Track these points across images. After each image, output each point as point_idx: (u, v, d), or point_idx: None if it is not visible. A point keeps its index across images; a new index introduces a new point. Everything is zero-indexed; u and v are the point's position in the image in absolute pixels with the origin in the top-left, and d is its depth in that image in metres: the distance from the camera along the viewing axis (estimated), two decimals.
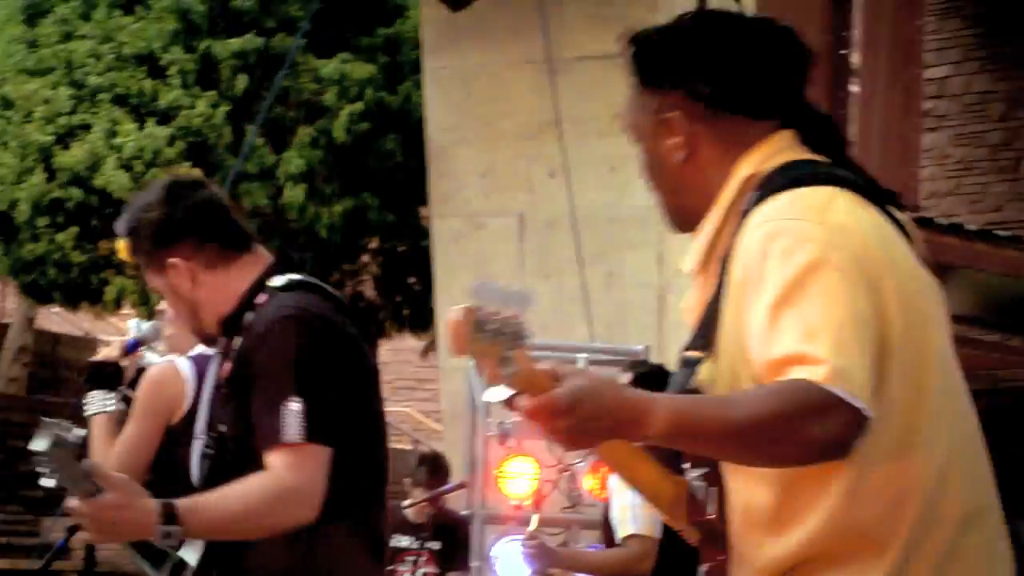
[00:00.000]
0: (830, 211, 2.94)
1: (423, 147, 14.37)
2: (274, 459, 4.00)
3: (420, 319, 20.40)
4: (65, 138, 19.04)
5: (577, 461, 9.57)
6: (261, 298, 4.29)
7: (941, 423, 2.96)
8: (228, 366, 4.27)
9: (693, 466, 3.15)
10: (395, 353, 25.81)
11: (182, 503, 3.95)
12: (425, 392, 26.28)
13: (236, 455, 4.16)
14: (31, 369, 24.19)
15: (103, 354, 5.94)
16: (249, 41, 19.14)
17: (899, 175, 13.06)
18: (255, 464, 4.05)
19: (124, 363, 5.89)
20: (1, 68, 19.82)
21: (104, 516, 3.88)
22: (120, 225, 4.46)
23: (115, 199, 18.46)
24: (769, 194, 3.01)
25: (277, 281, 4.33)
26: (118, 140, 18.83)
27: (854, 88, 12.13)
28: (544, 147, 12.26)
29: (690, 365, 3.06)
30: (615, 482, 7.47)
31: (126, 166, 18.72)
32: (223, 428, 4.27)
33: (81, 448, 4.27)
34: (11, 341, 24.01)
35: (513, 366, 2.73)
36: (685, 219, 3.23)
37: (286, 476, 4.00)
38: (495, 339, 2.72)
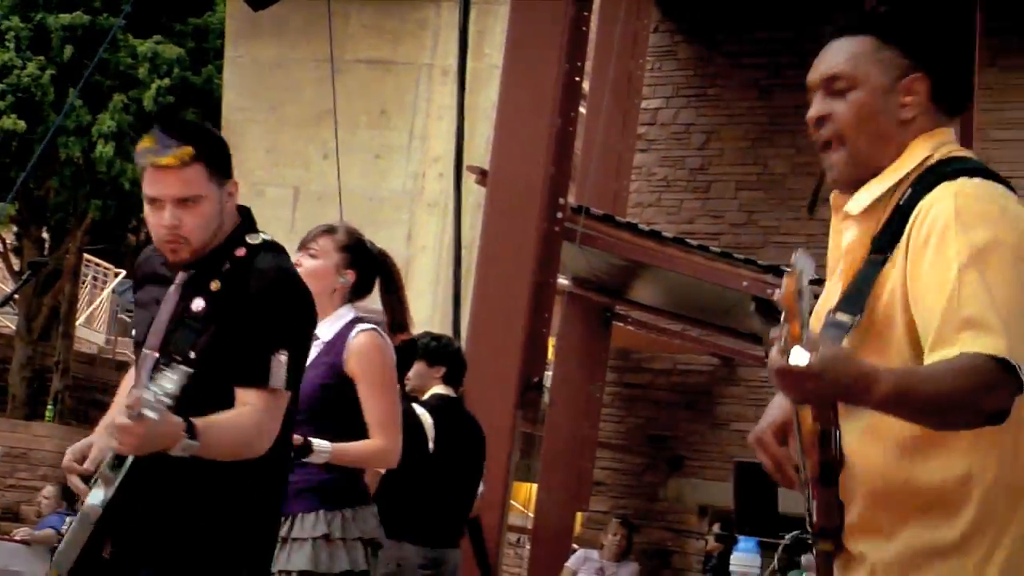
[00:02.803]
0: (1006, 201, 2.84)
1: (219, 122, 14.15)
2: (254, 398, 3.90)
3: None
4: None
5: None
6: (240, 250, 4.08)
7: None
8: (202, 303, 4.01)
9: None
10: None
11: (199, 422, 3.77)
12: None
13: (200, 382, 3.83)
14: None
15: None
16: (77, 17, 19.19)
17: (613, 187, 13.13)
18: (219, 391, 3.93)
19: None
20: None
21: (146, 432, 3.64)
22: (190, 137, 4.07)
23: None
24: (947, 176, 2.87)
25: (255, 238, 4.12)
26: None
27: (582, 110, 12.11)
28: (321, 132, 12.12)
29: (840, 328, 2.88)
30: None
31: None
32: (191, 356, 3.94)
33: None
34: None
35: (812, 331, 2.67)
36: (860, 169, 3.00)
37: (265, 415, 3.92)
38: (804, 306, 2.66)
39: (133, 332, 4.24)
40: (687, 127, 14.56)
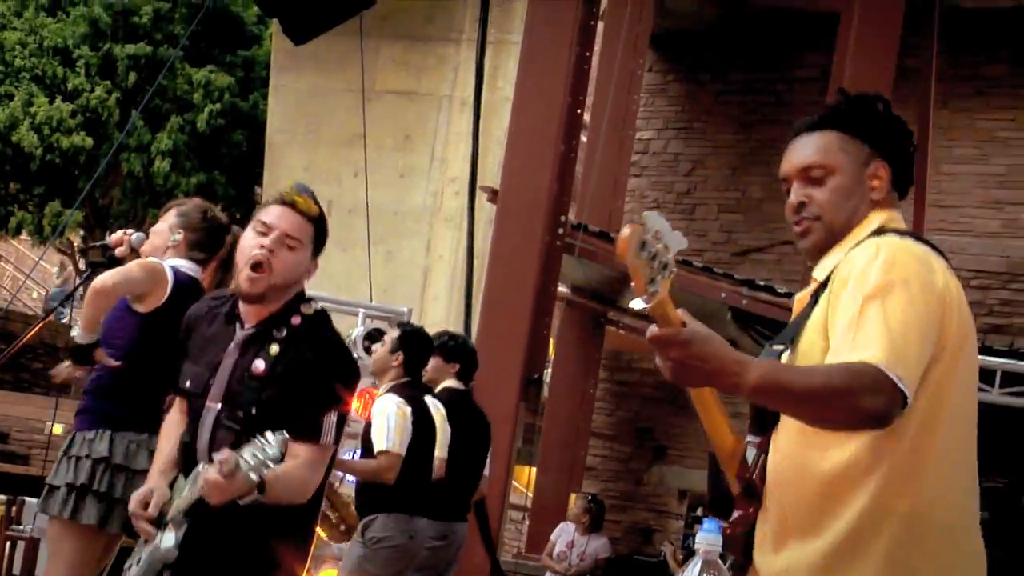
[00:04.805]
0: (925, 258, 2.85)
1: (263, 143, 14.26)
2: (305, 451, 3.83)
3: None
4: None
5: None
6: (296, 319, 3.99)
7: (953, 422, 2.87)
8: (262, 364, 3.92)
9: (752, 433, 3.05)
10: None
11: (269, 476, 3.54)
12: None
13: (252, 432, 3.68)
14: None
15: (113, 240, 5.90)
16: (141, 48, 19.18)
17: (609, 206, 13.19)
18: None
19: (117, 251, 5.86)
20: None
21: (236, 490, 3.58)
22: (308, 192, 4.11)
23: (25, 153, 18.54)
24: (879, 236, 2.93)
25: (308, 309, 4.03)
26: (32, 109, 18.70)
27: (583, 139, 12.23)
28: (352, 153, 12.16)
29: (774, 355, 2.94)
30: (376, 408, 7.33)
31: (36, 129, 18.63)
32: (253, 412, 3.89)
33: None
34: None
35: (658, 289, 2.61)
36: (831, 240, 3.03)
37: (312, 468, 3.87)
38: (650, 262, 2.59)
39: (187, 383, 4.07)
40: (676, 156, 14.64)
